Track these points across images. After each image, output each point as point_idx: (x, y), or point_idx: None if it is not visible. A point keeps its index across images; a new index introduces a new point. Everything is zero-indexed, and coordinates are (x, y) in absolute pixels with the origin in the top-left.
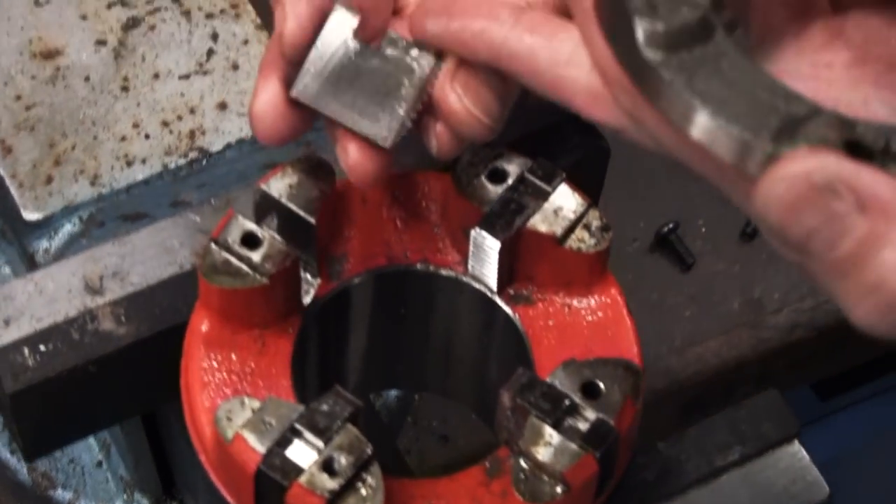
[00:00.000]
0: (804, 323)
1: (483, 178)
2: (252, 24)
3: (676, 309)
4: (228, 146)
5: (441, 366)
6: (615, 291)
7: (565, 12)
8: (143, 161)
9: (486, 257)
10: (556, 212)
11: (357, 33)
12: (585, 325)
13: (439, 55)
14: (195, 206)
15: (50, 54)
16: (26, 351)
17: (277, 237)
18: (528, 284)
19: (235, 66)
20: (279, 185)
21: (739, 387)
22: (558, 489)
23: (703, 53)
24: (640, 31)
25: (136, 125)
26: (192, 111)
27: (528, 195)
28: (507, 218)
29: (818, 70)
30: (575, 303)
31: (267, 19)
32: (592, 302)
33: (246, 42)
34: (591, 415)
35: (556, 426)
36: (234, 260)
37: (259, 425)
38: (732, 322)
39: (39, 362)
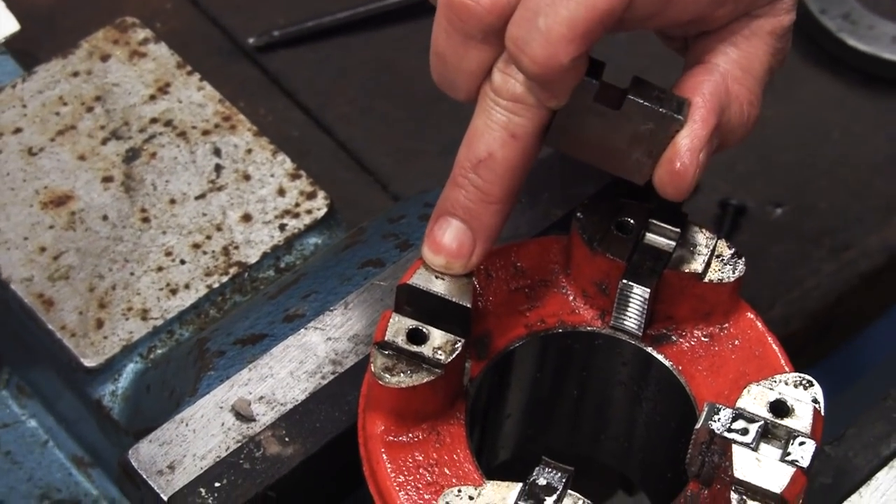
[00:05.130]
0: (796, 313)
1: (613, 232)
2: (250, 133)
3: None
4: (265, 255)
5: (591, 421)
6: (750, 313)
7: None
8: (187, 286)
9: (633, 306)
10: (690, 249)
11: (598, 96)
12: (731, 350)
13: (679, 111)
14: (312, 316)
15: (61, 201)
16: (203, 491)
17: (435, 328)
18: (668, 323)
19: (247, 177)
20: (426, 279)
21: None
22: None
23: None
24: None
25: (168, 253)
26: (218, 228)
27: (661, 239)
28: (649, 265)
29: None
30: (716, 332)
31: (262, 127)
32: (732, 328)
33: (249, 151)
34: (788, 432)
35: (760, 450)
36: (406, 358)
37: None
38: None
39: (220, 499)
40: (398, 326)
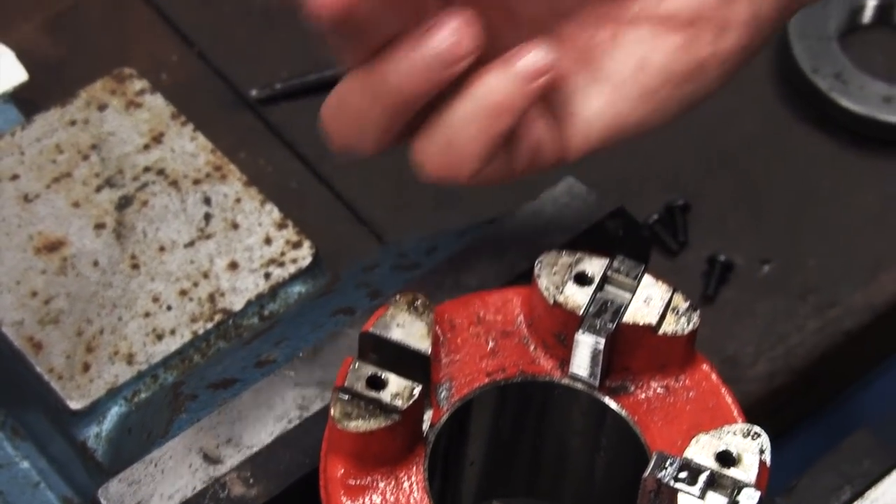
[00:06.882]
0: (781, 369)
1: (571, 284)
2: (239, 183)
3: None
4: (249, 303)
5: (551, 470)
6: (705, 366)
7: None
8: (173, 332)
9: (589, 358)
10: (646, 302)
11: None
12: (686, 401)
13: None
14: (282, 362)
15: (53, 246)
16: None
17: (395, 375)
18: (625, 374)
19: (235, 225)
20: (388, 326)
21: None
22: None
23: None
24: None
25: (155, 299)
26: (205, 276)
27: (618, 291)
28: (605, 317)
29: None
30: (672, 383)
31: (252, 177)
32: (687, 380)
33: (238, 200)
34: (734, 482)
35: (707, 498)
36: (365, 403)
37: None
38: None
39: None
40: (359, 373)
